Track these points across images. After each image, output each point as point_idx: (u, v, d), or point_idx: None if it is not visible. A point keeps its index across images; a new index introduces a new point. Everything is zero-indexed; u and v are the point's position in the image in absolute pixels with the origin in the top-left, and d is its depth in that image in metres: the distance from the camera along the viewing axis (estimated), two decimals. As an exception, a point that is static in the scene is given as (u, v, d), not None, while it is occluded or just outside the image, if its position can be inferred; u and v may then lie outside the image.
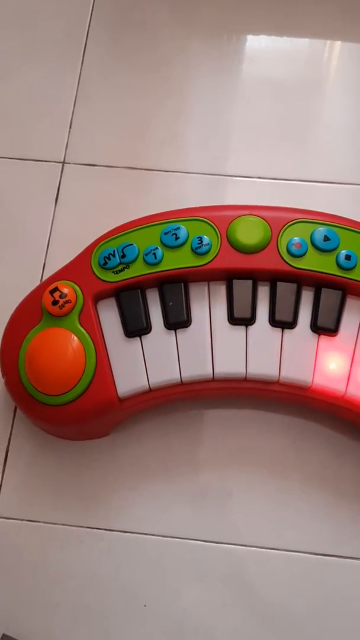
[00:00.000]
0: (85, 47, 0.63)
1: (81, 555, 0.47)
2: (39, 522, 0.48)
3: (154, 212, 0.50)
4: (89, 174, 0.59)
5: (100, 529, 0.48)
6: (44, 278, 0.53)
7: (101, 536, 0.48)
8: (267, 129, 0.59)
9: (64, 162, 0.59)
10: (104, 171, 0.59)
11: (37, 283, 0.53)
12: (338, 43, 0.63)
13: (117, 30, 0.64)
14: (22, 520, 0.48)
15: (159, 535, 0.47)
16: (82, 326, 0.46)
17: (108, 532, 0.48)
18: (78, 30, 0.64)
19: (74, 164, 0.59)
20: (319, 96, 0.61)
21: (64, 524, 0.48)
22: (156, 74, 0.62)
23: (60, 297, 0.46)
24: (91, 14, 0.65)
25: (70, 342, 0.45)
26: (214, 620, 0.45)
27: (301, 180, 0.57)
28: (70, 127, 0.60)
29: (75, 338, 0.45)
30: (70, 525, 0.48)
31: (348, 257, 0.46)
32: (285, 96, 0.61)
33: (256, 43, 0.64)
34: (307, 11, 0.64)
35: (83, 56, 0.63)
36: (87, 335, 0.45)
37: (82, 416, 0.45)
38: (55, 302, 0.46)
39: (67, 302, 0.46)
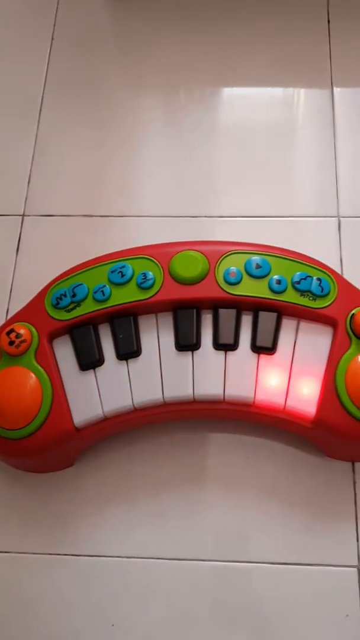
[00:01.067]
0: (41, 106, 0.69)
1: (51, 581, 0.49)
2: (9, 552, 0.50)
3: (108, 255, 0.55)
4: (48, 224, 0.63)
5: (68, 554, 0.50)
6: (7, 323, 0.57)
7: (69, 562, 0.50)
8: (212, 173, 0.64)
9: (23, 215, 0.64)
10: (62, 220, 0.64)
11: (1, 327, 0.57)
12: (276, 89, 0.69)
13: (70, 90, 0.70)
14: (-6, 552, 0.51)
15: (123, 557, 0.50)
16: (38, 363, 0.49)
17: (75, 557, 0.50)
18: (33, 91, 0.70)
19: (34, 215, 0.64)
20: (257, 139, 0.66)
21: (33, 553, 0.50)
22: (109, 129, 0.68)
23: (17, 337, 0.49)
24: (45, 78, 0.71)
25: (27, 379, 0.49)
26: (179, 634, 0.47)
27: (243, 217, 0.62)
28: (29, 181, 0.65)
29: (33, 375, 0.49)
30: (40, 554, 0.50)
31: (279, 282, 0.50)
32: (226, 141, 0.66)
33: (200, 96, 0.69)
34: (244, 64, 0.70)
35: (39, 115, 0.69)
36: (43, 371, 0.49)
37: (42, 447, 0.48)
38: (11, 343, 0.49)
39: (22, 341, 0.49)
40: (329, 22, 0.71)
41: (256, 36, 0.71)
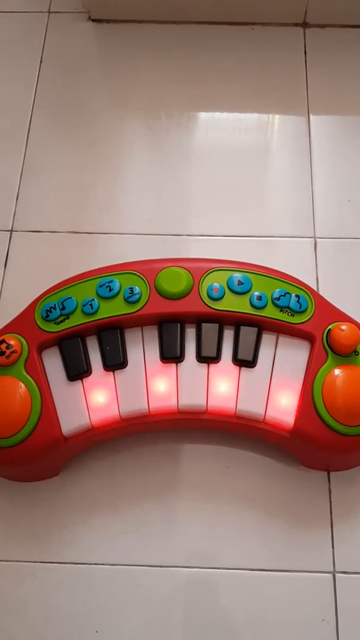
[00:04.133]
0: (29, 129, 0.71)
1: (35, 589, 0.50)
2: (-6, 560, 0.51)
3: (93, 270, 0.57)
4: (36, 240, 0.65)
5: (53, 562, 0.51)
6: (-5, 334, 0.58)
7: (53, 569, 0.51)
8: (192, 193, 0.67)
9: (12, 230, 0.65)
10: (49, 236, 0.65)
11: (-11, 339, 0.58)
12: (250, 115, 0.72)
13: (57, 113, 0.72)
14: (-22, 560, 0.51)
15: (107, 564, 0.51)
16: (28, 373, 0.51)
17: (60, 564, 0.51)
18: (22, 115, 0.72)
19: (21, 231, 0.65)
20: (235, 162, 0.69)
21: (18, 561, 0.51)
22: (94, 149, 0.70)
23: (7, 348, 0.51)
24: (34, 100, 0.73)
25: (17, 388, 0.50)
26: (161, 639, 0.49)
27: (222, 236, 0.64)
28: (17, 198, 0.67)
29: (22, 385, 0.50)
30: (24, 561, 0.51)
31: (259, 298, 0.52)
32: (206, 164, 0.69)
33: (180, 119, 0.72)
34: (224, 90, 0.73)
35: (27, 137, 0.71)
36: (32, 381, 0.50)
37: (31, 455, 0.50)
38: (2, 353, 0.51)
39: (13, 352, 0.51)
40: (305, 53, 0.75)
41: (236, 65, 0.75)
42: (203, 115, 0.73)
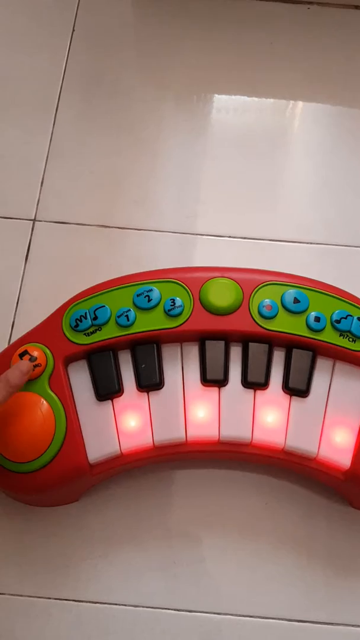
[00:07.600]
0: (57, 109, 0.64)
1: (49, 628, 0.45)
2: (4, 594, 0.46)
3: (126, 271, 0.50)
4: (61, 232, 0.59)
5: (69, 599, 0.46)
6: (13, 337, 0.53)
7: (70, 607, 0.46)
8: (237, 189, 0.61)
9: (34, 220, 0.59)
10: (76, 229, 0.59)
11: (5, 342, 0.53)
12: (301, 104, 0.65)
13: (88, 93, 0.65)
14: (-13, 592, 0.46)
15: (129, 605, 0.46)
16: (52, 390, 0.45)
17: (77, 603, 0.46)
18: (50, 92, 0.65)
19: (45, 221, 0.59)
20: (285, 157, 0.63)
21: (30, 596, 0.46)
22: (128, 134, 0.63)
23: (30, 360, 0.45)
24: (63, 77, 0.66)
25: (39, 407, 0.44)
26: None
27: (269, 240, 0.58)
28: (41, 185, 0.61)
29: (45, 403, 0.45)
30: (38, 597, 0.46)
31: (317, 319, 0.46)
32: (254, 157, 0.62)
33: (225, 105, 0.66)
34: (272, 78, 0.66)
35: (55, 117, 0.64)
36: (57, 399, 0.45)
37: (51, 484, 0.44)
38: (24, 366, 0.45)
39: (36, 365, 0.45)
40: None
41: (288, 48, 0.68)
42: (250, 102, 0.66)
